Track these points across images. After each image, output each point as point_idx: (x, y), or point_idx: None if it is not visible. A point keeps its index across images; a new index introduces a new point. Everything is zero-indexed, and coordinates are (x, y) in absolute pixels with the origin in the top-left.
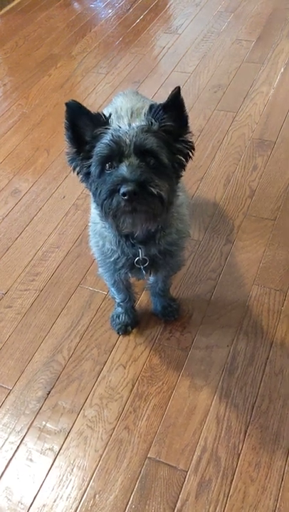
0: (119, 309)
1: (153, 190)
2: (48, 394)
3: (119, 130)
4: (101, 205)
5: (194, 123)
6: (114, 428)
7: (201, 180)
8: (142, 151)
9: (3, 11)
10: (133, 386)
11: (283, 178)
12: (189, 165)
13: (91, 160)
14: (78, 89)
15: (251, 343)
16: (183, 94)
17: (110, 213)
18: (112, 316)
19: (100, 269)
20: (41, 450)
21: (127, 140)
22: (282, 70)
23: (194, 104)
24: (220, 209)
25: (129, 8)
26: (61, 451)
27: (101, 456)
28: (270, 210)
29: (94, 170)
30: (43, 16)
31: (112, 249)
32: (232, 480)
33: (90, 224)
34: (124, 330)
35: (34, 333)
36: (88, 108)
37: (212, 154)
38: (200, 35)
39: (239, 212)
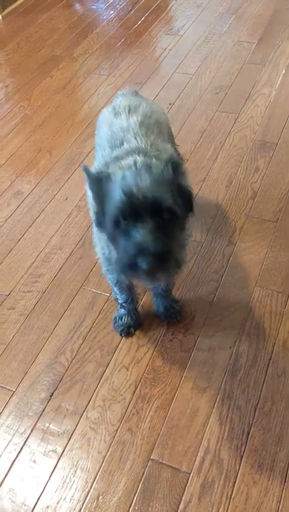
0: (122, 311)
1: (172, 260)
2: (51, 395)
3: (128, 184)
4: (118, 261)
5: (196, 124)
6: (117, 430)
7: (203, 181)
8: (157, 210)
9: (4, 12)
10: (136, 388)
11: (285, 180)
12: (192, 166)
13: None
14: (80, 91)
15: (254, 345)
16: (184, 95)
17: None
18: (115, 318)
19: (104, 268)
20: (44, 452)
21: (140, 196)
22: (283, 71)
23: (196, 106)
24: (222, 211)
25: (131, 10)
26: (64, 453)
27: (104, 457)
28: (272, 211)
29: (108, 226)
30: (44, 18)
31: None
32: (235, 482)
33: (93, 231)
34: (127, 332)
35: (37, 335)
36: (90, 110)
37: (214, 156)
38: (201, 37)
39: (241, 214)
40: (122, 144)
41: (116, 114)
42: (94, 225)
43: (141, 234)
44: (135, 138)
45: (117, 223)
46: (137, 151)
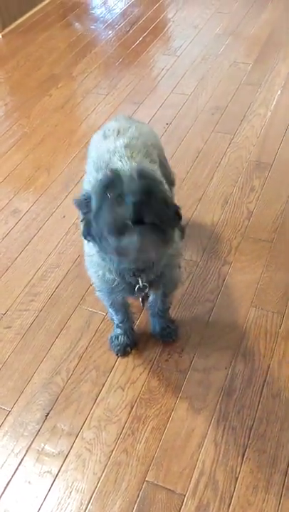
0: (118, 330)
1: (159, 194)
2: (46, 416)
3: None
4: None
5: (192, 145)
6: (112, 451)
7: (199, 201)
8: (143, 176)
9: (5, 31)
10: (131, 408)
11: (280, 200)
12: (187, 186)
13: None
14: (78, 110)
15: (249, 366)
16: (181, 116)
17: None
18: (111, 338)
19: (98, 293)
20: (40, 473)
21: (127, 171)
22: (279, 92)
23: (192, 126)
24: (218, 230)
25: (129, 30)
26: (59, 474)
27: (99, 479)
28: (268, 231)
29: (95, 205)
30: (44, 37)
31: (112, 278)
32: (230, 504)
33: (85, 258)
34: (123, 351)
35: (33, 354)
36: (88, 129)
37: (210, 176)
38: (198, 57)
39: (237, 234)
40: (107, 166)
41: (105, 137)
42: (84, 245)
43: (125, 185)
44: (120, 160)
45: (103, 194)
46: None
